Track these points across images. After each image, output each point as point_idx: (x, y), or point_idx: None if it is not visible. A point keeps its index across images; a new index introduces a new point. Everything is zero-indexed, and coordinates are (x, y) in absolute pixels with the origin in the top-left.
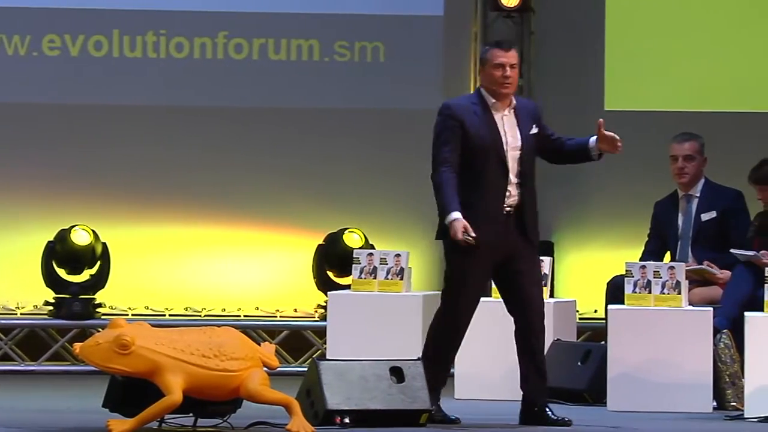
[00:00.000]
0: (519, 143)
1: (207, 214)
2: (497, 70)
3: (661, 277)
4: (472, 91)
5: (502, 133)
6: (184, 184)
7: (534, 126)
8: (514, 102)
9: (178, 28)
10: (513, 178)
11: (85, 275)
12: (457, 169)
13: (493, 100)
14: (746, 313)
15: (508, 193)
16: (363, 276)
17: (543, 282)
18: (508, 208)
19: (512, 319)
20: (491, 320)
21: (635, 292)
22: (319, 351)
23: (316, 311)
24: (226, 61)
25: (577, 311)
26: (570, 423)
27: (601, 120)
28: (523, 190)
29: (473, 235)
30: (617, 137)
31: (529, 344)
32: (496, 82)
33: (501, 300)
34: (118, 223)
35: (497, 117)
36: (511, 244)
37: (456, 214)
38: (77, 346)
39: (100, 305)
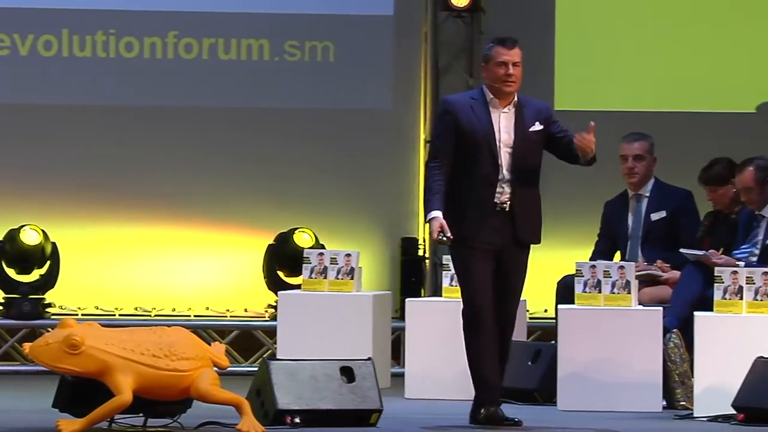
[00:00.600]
0: (513, 139)
1: (157, 214)
2: (500, 68)
3: (611, 277)
4: (421, 91)
5: (496, 129)
6: (133, 184)
7: (538, 123)
8: (518, 100)
9: (128, 27)
10: (505, 174)
11: (34, 275)
12: (449, 162)
13: (492, 97)
14: (696, 313)
15: (500, 189)
16: (313, 276)
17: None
18: (501, 204)
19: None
20: (442, 320)
21: (585, 292)
22: (270, 351)
23: (266, 311)
24: (176, 61)
25: (528, 311)
26: (520, 423)
27: (592, 123)
28: (516, 187)
29: (448, 235)
30: (591, 140)
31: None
32: (499, 80)
33: (451, 300)
34: (68, 222)
35: (494, 113)
36: (502, 240)
37: (434, 213)
38: (27, 346)
39: (49, 305)
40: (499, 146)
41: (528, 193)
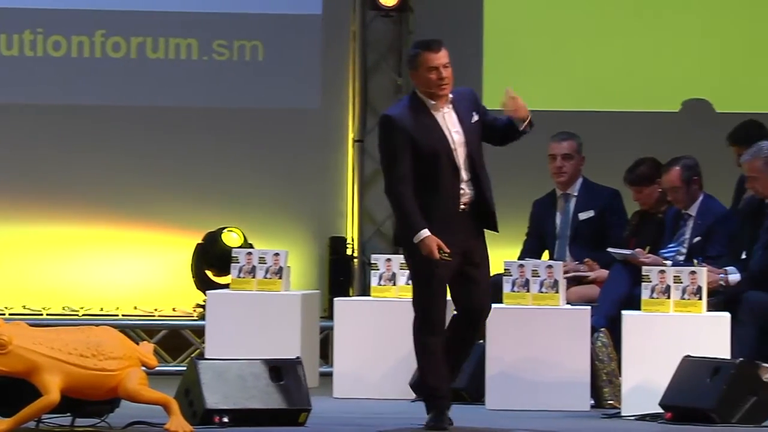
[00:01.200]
0: (464, 138)
1: (85, 213)
2: (431, 73)
3: (539, 276)
4: (349, 91)
5: (446, 133)
6: (61, 183)
7: (474, 114)
8: (451, 96)
9: (56, 26)
10: (465, 175)
11: None
12: (411, 179)
13: (432, 102)
14: (623, 312)
15: (462, 191)
16: (242, 275)
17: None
18: (463, 206)
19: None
20: (370, 319)
21: (513, 291)
22: (198, 350)
23: (194, 310)
24: (104, 60)
25: (454, 310)
26: (451, 423)
27: (507, 88)
28: (476, 183)
29: (447, 251)
30: (517, 97)
31: (460, 347)
32: (433, 85)
33: (380, 299)
34: None
35: (438, 117)
36: (466, 242)
37: (426, 232)
38: None
39: None
40: (455, 149)
41: (485, 184)
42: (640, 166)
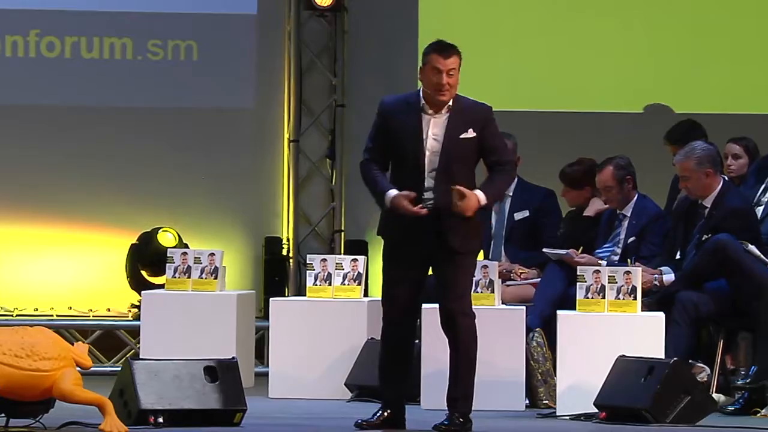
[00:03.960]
0: (441, 146)
1: (17, 213)
2: (435, 75)
3: (474, 276)
4: (284, 90)
5: (424, 135)
6: None
7: (470, 131)
8: (455, 104)
9: None
10: (429, 181)
11: None
12: (382, 161)
13: (428, 104)
14: (558, 312)
15: (424, 195)
16: (177, 275)
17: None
18: (426, 209)
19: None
20: (306, 319)
21: None
22: (133, 350)
23: (129, 311)
24: (39, 60)
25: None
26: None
27: (454, 188)
28: (442, 193)
29: (414, 205)
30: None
31: (450, 352)
32: (432, 87)
33: (315, 299)
34: None
35: (425, 118)
36: (428, 245)
37: (393, 192)
38: None
39: None
40: (425, 152)
41: (450, 200)
42: (576, 166)
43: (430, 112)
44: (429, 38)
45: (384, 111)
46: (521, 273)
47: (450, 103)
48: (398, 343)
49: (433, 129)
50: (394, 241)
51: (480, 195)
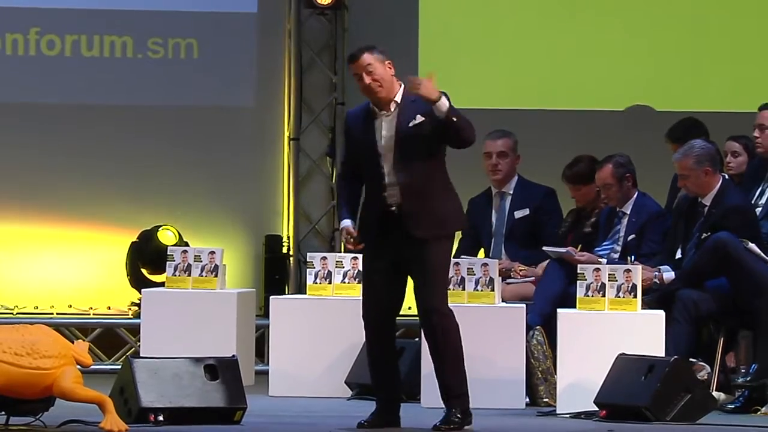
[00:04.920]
0: (393, 143)
1: (17, 211)
2: (357, 81)
3: (474, 274)
4: (285, 89)
5: (377, 136)
6: None
7: (419, 116)
8: (401, 100)
9: None
10: (389, 178)
11: None
12: (355, 173)
13: (376, 108)
14: (558, 310)
15: (389, 192)
16: (177, 273)
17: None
18: (391, 207)
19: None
20: (306, 318)
21: (449, 289)
22: (133, 349)
23: (129, 309)
24: (39, 58)
25: None
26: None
27: (409, 77)
28: (405, 187)
29: (354, 237)
30: (416, 80)
31: (430, 350)
32: (365, 92)
33: (316, 297)
34: None
35: (377, 120)
36: (396, 242)
37: (342, 223)
38: None
39: None
40: (380, 152)
41: (421, 189)
42: (578, 164)
43: (382, 113)
44: (429, 36)
45: (346, 124)
46: (521, 270)
47: (399, 98)
48: (379, 344)
49: (385, 128)
50: (366, 243)
51: (444, 98)
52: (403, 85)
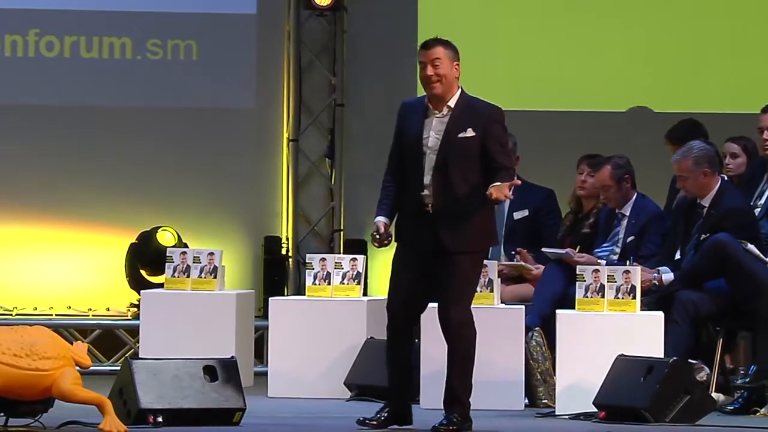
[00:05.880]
0: (439, 145)
1: (18, 213)
2: (421, 69)
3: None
4: (284, 90)
5: (425, 134)
6: None
7: (470, 129)
8: (459, 103)
9: None
10: (427, 178)
11: None
12: (398, 171)
13: (428, 102)
14: (557, 311)
15: (426, 193)
16: (176, 275)
17: (453, 287)
18: (426, 208)
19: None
20: (305, 319)
21: None
22: (132, 350)
23: (128, 310)
24: (38, 59)
25: None
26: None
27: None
28: (440, 192)
29: (380, 233)
30: (504, 186)
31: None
32: (423, 82)
33: (315, 299)
34: None
35: (429, 118)
36: (427, 244)
37: (377, 219)
38: None
39: None
40: (425, 151)
41: (456, 199)
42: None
43: (435, 112)
44: (428, 37)
45: (399, 113)
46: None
47: (453, 102)
48: (396, 345)
49: (435, 128)
50: (399, 243)
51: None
52: (461, 90)
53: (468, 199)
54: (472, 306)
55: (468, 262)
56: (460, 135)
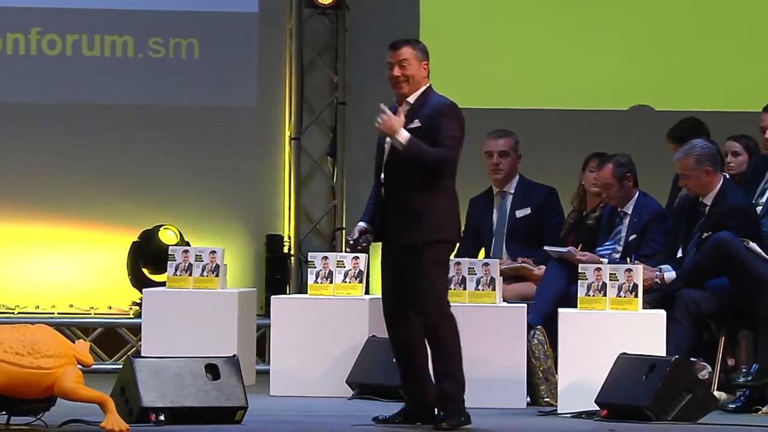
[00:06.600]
0: (391, 143)
1: (20, 211)
2: (388, 70)
3: (475, 274)
4: (286, 88)
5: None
6: None
7: (416, 121)
8: (417, 99)
9: None
10: (382, 178)
11: None
12: (379, 168)
13: (395, 100)
14: (559, 310)
15: (383, 186)
16: (178, 273)
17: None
18: (385, 202)
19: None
20: (307, 317)
21: (450, 289)
22: (134, 348)
23: (131, 308)
24: (40, 57)
25: None
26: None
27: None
28: (394, 185)
29: (354, 238)
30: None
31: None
32: (390, 81)
33: (317, 297)
34: None
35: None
36: (386, 236)
37: (359, 224)
38: None
39: None
40: (385, 148)
41: (405, 192)
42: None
43: (399, 109)
44: (431, 36)
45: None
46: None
47: (414, 98)
48: (393, 339)
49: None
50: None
51: (405, 132)
52: (427, 87)
53: (414, 191)
54: (474, 305)
55: (423, 257)
56: (409, 126)
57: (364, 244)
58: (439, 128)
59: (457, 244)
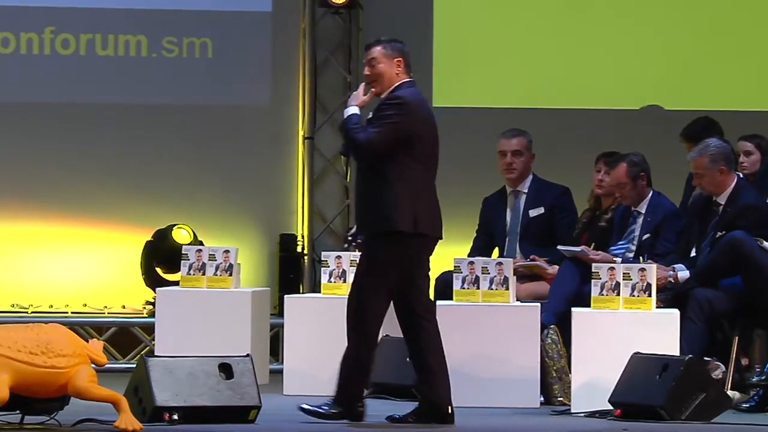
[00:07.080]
0: None
1: (34, 210)
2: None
3: (489, 273)
4: (299, 88)
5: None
6: (10, 179)
7: (371, 113)
8: (385, 95)
9: (4, 23)
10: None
11: None
12: None
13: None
14: (573, 309)
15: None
16: (192, 272)
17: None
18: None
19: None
20: (321, 316)
21: (463, 288)
22: (148, 347)
23: (144, 307)
24: (54, 57)
25: None
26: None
27: None
28: (357, 176)
29: (350, 236)
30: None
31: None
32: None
33: (330, 296)
34: None
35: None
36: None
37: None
38: None
39: None
40: None
41: (361, 182)
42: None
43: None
44: (444, 35)
45: None
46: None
47: (385, 95)
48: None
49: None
50: None
51: (349, 110)
52: (401, 83)
53: (366, 181)
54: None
55: (372, 245)
56: (367, 118)
57: (358, 240)
58: (379, 115)
59: (423, 237)
